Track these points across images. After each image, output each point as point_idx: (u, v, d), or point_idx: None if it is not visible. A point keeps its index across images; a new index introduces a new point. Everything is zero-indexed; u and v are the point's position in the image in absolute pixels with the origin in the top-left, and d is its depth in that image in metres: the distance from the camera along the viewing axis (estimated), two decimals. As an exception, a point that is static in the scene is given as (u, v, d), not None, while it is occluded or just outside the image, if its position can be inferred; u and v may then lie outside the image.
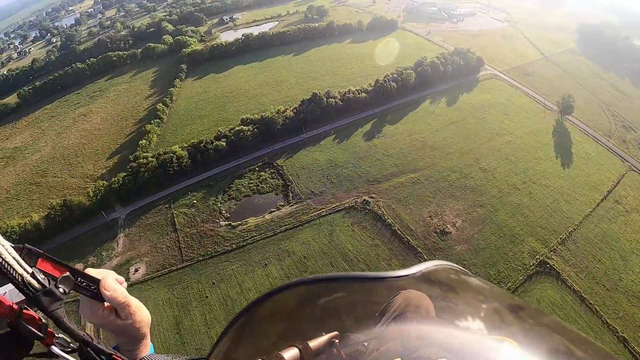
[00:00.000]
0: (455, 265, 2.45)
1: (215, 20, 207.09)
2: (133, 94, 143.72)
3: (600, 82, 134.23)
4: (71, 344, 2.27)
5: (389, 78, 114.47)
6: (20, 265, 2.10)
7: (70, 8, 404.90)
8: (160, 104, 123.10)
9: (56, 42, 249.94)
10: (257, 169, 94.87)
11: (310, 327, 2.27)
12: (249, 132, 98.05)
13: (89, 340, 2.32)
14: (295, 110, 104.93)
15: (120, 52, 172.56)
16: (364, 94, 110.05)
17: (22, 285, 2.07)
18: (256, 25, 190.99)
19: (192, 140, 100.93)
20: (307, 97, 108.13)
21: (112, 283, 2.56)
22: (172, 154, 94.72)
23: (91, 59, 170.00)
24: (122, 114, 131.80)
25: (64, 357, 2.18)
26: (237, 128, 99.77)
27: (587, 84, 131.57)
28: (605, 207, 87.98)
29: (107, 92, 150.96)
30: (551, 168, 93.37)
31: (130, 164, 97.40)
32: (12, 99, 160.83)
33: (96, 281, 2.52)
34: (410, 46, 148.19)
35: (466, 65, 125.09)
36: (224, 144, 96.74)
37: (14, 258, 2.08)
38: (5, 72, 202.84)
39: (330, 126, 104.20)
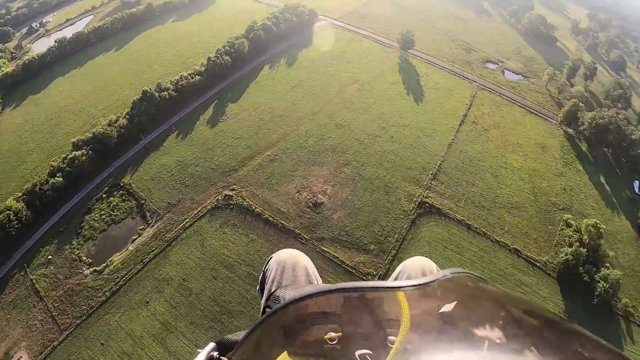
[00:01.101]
0: (473, 272, 2.36)
1: (24, 30, 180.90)
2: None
3: (433, 9, 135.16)
4: None
5: (222, 52, 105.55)
6: None
7: None
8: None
9: None
10: (104, 195, 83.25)
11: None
12: (83, 157, 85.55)
13: None
14: (128, 116, 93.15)
15: None
16: (197, 77, 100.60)
17: None
18: (70, 25, 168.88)
19: (26, 186, 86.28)
20: (138, 97, 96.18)
21: None
22: (7, 211, 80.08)
23: None
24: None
25: None
26: (70, 156, 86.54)
27: (424, 14, 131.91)
28: (465, 131, 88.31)
29: None
30: (405, 106, 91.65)
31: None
32: None
33: None
34: (238, 11, 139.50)
35: (299, 21, 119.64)
36: (60, 179, 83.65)
37: None
38: None
39: (171, 122, 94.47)
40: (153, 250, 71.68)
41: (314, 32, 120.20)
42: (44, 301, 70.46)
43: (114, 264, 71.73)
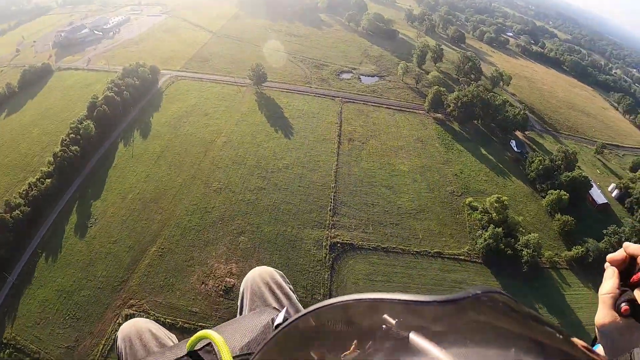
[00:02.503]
0: (504, 292, 2.16)
1: None
2: None
3: (276, 35, 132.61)
4: None
5: (67, 142, 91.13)
6: None
7: None
8: None
9: None
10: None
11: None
12: None
13: None
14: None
15: None
16: (48, 180, 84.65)
17: None
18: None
19: None
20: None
21: None
22: None
23: None
24: None
25: None
26: None
27: (265, 43, 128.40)
28: (345, 152, 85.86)
29: None
30: (278, 145, 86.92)
31: None
32: None
33: None
34: (74, 87, 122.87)
35: (143, 82, 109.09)
36: None
37: None
38: None
39: (32, 247, 78.47)
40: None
41: (161, 91, 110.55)
42: None
43: None
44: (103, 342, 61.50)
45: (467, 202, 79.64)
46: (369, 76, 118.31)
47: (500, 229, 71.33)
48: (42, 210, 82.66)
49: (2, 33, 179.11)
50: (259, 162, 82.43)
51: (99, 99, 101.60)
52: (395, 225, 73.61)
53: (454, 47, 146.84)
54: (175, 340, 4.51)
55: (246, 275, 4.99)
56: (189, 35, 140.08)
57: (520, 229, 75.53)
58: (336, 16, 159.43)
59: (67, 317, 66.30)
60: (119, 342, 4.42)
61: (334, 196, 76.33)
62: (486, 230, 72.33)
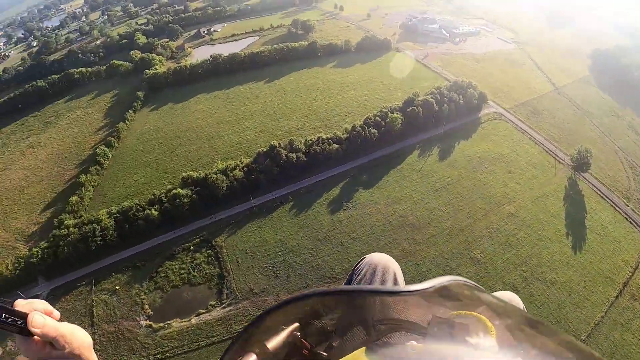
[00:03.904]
0: (468, 280, 2.45)
1: (192, 32, 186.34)
2: (85, 124, 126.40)
3: (617, 122, 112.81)
4: None
5: (370, 122, 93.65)
6: None
7: (61, 7, 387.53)
8: (102, 146, 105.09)
9: (35, 47, 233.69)
10: (192, 248, 76.04)
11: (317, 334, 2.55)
12: (186, 200, 79.60)
13: None
14: (246, 169, 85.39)
15: (83, 69, 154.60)
16: (335, 145, 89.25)
17: None
18: (234, 41, 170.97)
19: (123, 205, 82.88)
20: (264, 149, 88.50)
21: (40, 318, 2.46)
22: (96, 225, 77.25)
23: (53, 76, 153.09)
24: (67, 150, 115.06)
25: None
26: (174, 191, 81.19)
27: (603, 124, 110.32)
28: (620, 308, 68.26)
29: (61, 118, 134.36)
30: (560, 253, 73.49)
31: (54, 231, 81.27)
32: None
33: (23, 316, 2.40)
34: (402, 73, 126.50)
35: (466, 104, 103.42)
36: (157, 213, 78.54)
37: None
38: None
39: (289, 189, 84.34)
40: (213, 336, 62.48)
41: (480, 122, 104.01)
42: (94, 328, 66.11)
43: (171, 330, 64.21)
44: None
45: None
46: None
47: None
48: (314, 165, 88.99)
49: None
50: (530, 258, 71.43)
51: (419, 98, 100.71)
52: None
53: None
54: None
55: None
56: (529, 77, 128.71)
57: None
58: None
59: (269, 268, 72.78)
60: (363, 264, 4.64)
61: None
62: None
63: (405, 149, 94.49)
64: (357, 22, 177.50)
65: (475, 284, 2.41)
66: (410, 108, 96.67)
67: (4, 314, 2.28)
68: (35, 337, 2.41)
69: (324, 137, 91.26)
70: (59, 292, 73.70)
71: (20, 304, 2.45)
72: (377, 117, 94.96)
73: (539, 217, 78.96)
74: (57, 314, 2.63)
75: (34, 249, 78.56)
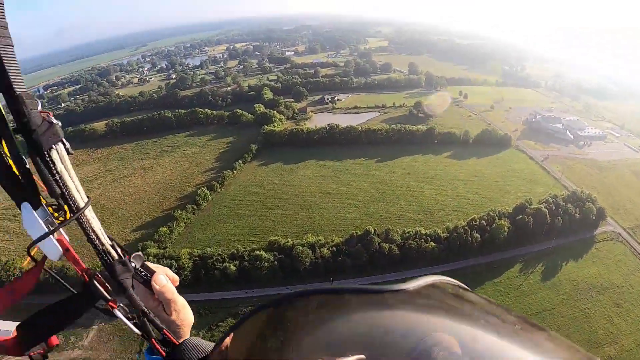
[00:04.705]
0: (452, 280, 2.46)
1: (317, 98, 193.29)
2: (196, 161, 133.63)
3: None
4: (129, 313, 2.55)
5: (474, 225, 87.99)
6: (105, 237, 2.46)
7: (205, 49, 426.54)
8: (204, 188, 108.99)
9: (173, 79, 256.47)
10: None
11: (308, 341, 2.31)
12: (267, 264, 79.10)
13: (147, 312, 2.57)
14: (334, 249, 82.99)
15: (209, 111, 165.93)
16: (432, 244, 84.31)
17: (102, 253, 2.43)
18: (355, 113, 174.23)
19: (206, 250, 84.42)
20: (359, 232, 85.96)
21: (163, 279, 2.74)
22: (175, 261, 78.94)
23: (181, 110, 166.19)
24: (173, 182, 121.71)
25: (122, 320, 2.49)
26: (257, 252, 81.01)
27: None
28: None
29: (178, 149, 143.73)
30: None
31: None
32: (101, 125, 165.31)
33: (151, 272, 2.72)
34: (517, 174, 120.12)
35: (582, 219, 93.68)
36: (234, 269, 78.63)
37: (100, 229, 2.44)
38: (115, 96, 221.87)
39: (374, 279, 79.90)
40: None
41: (595, 241, 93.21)
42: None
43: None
44: None
45: None
46: None
47: None
48: (407, 259, 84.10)
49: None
50: None
51: (531, 206, 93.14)
52: None
53: None
54: None
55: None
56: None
57: None
58: None
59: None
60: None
61: None
62: None
63: (507, 260, 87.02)
64: (480, 112, 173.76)
65: (459, 283, 2.40)
66: (521, 216, 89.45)
67: (140, 267, 2.63)
68: (155, 294, 2.70)
69: (423, 232, 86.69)
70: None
71: (152, 265, 2.76)
72: (482, 221, 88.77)
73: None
74: (176, 278, 2.91)
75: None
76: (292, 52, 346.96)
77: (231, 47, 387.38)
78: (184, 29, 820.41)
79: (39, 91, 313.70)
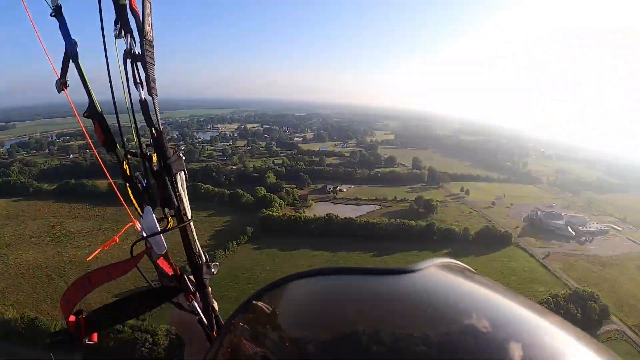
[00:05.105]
0: (459, 262, 2.42)
1: (319, 186, 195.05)
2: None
3: None
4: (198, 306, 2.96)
5: None
6: (198, 244, 2.98)
7: (217, 125, 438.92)
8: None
9: (181, 150, 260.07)
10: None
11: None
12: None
13: (215, 308, 3.00)
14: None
15: (210, 187, 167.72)
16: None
17: (196, 255, 2.92)
18: (355, 204, 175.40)
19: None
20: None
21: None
22: (150, 336, 77.13)
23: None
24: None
25: (198, 311, 2.92)
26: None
27: None
28: None
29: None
30: None
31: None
32: (103, 184, 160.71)
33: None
34: (517, 273, 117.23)
35: (584, 318, 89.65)
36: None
37: (195, 238, 2.96)
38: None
39: None
40: None
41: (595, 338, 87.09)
42: None
43: None
44: None
45: None
46: None
47: None
48: None
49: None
50: None
51: None
52: None
53: None
54: None
55: None
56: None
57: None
58: None
59: None
60: None
61: None
62: None
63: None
64: (481, 208, 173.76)
65: (466, 266, 2.39)
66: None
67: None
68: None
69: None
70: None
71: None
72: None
73: None
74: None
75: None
76: (301, 139, 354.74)
77: (242, 126, 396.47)
78: (200, 102, 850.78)
79: (51, 138, 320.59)
